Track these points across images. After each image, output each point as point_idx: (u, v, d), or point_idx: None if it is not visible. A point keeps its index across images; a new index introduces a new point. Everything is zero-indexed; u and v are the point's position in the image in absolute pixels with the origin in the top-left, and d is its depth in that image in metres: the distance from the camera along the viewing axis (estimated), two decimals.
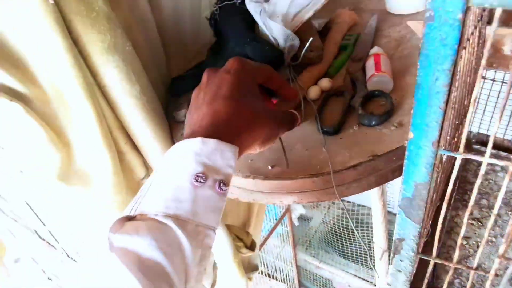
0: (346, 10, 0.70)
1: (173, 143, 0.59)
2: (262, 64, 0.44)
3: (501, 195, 0.27)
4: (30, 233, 0.83)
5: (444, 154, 0.28)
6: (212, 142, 0.35)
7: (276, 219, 1.39)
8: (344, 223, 1.83)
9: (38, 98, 0.45)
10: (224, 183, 0.34)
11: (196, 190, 0.33)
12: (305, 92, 0.55)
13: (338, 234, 1.87)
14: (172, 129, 0.61)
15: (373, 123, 0.48)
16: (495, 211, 0.28)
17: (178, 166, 0.34)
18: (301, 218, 1.86)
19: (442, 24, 0.23)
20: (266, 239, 1.35)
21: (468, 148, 0.90)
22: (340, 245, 1.89)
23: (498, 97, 1.03)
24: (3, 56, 0.43)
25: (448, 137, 0.37)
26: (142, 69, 0.55)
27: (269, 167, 0.48)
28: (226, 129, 0.37)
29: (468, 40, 0.40)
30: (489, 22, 0.56)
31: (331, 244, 1.92)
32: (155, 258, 0.29)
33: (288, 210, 1.39)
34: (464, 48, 0.36)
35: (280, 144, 0.49)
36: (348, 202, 1.86)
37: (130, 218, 0.32)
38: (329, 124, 0.50)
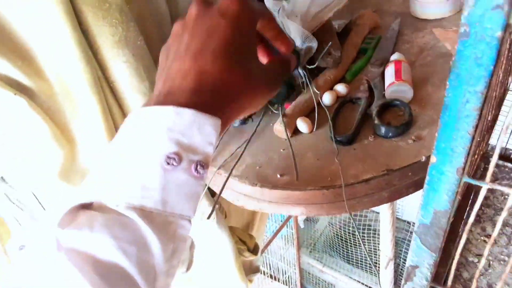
0: (368, 12, 0.67)
1: None
2: (263, 6, 0.36)
3: None
4: (35, 222, 0.83)
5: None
6: (189, 114, 0.28)
7: (281, 221, 1.37)
8: (350, 227, 1.80)
9: (44, 92, 0.44)
10: (202, 164, 0.28)
11: (167, 175, 0.27)
12: (320, 97, 0.53)
13: (343, 238, 1.84)
14: None
15: (390, 134, 0.46)
16: None
17: (146, 143, 0.28)
18: (307, 220, 1.84)
19: (478, 42, 0.20)
20: (270, 242, 1.33)
21: (486, 162, 0.86)
22: (345, 249, 1.86)
23: None
24: (8, 46, 0.42)
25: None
26: (153, 64, 0.54)
27: (278, 176, 0.46)
28: (211, 97, 0.29)
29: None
30: None
31: (336, 248, 1.89)
32: (114, 260, 0.24)
33: None
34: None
35: (290, 151, 0.47)
36: None
37: (84, 206, 0.26)
38: (343, 133, 0.47)
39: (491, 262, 0.71)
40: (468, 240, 0.82)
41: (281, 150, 0.49)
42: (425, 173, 0.27)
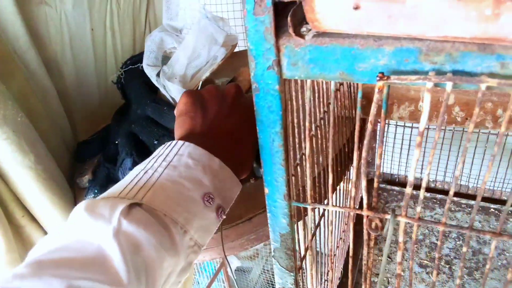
0: (247, 68, 0.75)
1: None
2: None
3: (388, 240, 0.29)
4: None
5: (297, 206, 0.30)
6: (228, 171, 0.37)
7: (211, 275, 1.35)
8: None
9: None
10: (224, 212, 0.37)
11: (205, 210, 0.34)
12: None
13: None
14: (75, 196, 0.59)
15: None
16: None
17: (193, 175, 0.35)
18: (239, 270, 1.82)
19: (266, 94, 0.26)
20: None
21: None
22: None
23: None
24: None
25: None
26: (38, 137, 0.54)
27: None
28: (240, 164, 0.40)
29: (338, 90, 0.46)
30: None
31: None
32: (151, 257, 0.30)
33: (222, 264, 1.36)
34: (329, 103, 0.40)
35: None
36: None
37: (137, 204, 0.32)
38: None
39: (389, 279, 0.77)
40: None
41: None
42: None
